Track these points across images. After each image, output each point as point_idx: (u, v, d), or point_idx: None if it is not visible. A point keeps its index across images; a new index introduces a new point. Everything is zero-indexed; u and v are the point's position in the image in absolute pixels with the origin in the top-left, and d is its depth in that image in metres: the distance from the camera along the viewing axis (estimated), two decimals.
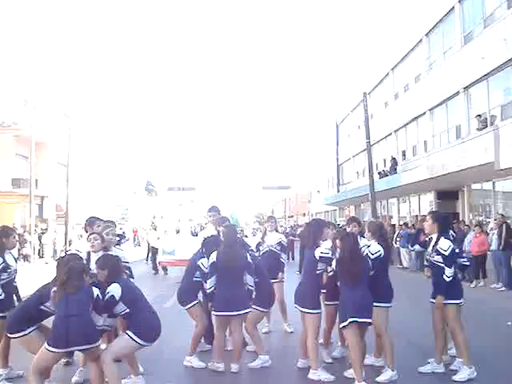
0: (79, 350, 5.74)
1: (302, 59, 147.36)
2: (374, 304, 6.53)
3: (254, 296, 7.56)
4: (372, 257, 6.83)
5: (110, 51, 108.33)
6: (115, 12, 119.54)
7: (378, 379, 6.50)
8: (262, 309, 7.78)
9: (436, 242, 6.98)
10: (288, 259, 27.35)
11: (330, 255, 6.79)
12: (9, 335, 6.10)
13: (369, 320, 6.40)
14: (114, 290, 5.91)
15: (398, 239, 23.33)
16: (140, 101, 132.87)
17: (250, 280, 7.37)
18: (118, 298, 5.88)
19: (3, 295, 5.93)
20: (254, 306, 7.68)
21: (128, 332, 5.95)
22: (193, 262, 7.77)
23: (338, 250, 6.65)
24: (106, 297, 5.86)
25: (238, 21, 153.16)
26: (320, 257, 6.78)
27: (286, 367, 7.43)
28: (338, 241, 6.70)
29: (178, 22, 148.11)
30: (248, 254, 7.49)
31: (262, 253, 9.48)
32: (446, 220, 7.43)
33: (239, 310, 7.15)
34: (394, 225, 29.17)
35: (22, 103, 34.65)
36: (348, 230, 7.80)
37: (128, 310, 5.94)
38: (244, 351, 7.99)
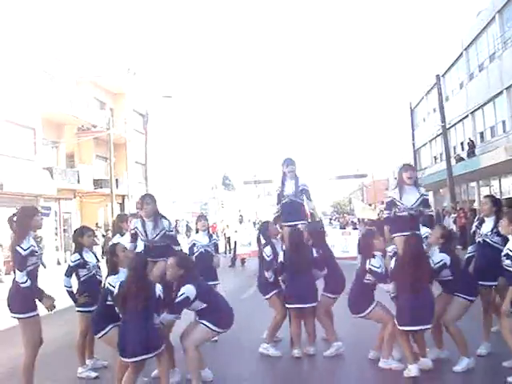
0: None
1: (374, 44, 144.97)
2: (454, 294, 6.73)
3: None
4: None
5: (181, 47, 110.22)
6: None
7: (456, 369, 6.44)
8: (330, 295, 7.83)
9: (495, 224, 7.00)
10: None
11: (379, 271, 6.81)
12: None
13: (428, 326, 6.46)
14: (189, 291, 5.99)
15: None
16: (214, 97, 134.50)
17: (315, 273, 7.75)
18: (191, 299, 6.02)
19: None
20: (323, 293, 7.86)
21: (204, 322, 6.15)
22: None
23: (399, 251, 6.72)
24: (180, 298, 5.96)
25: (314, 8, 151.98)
26: (369, 269, 6.87)
27: (358, 355, 7.48)
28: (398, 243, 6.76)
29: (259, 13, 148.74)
30: (314, 250, 7.78)
31: None
32: (501, 203, 7.61)
33: (310, 303, 7.55)
34: (474, 209, 28.40)
35: (98, 107, 35.96)
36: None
37: (205, 305, 6.14)
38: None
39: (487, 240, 7.11)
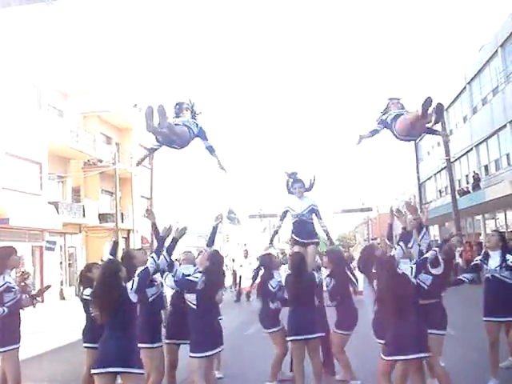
0: None
1: (379, 78, 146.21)
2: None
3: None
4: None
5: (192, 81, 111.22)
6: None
7: None
8: (344, 332, 7.50)
9: (503, 259, 7.00)
10: None
11: None
12: None
13: (423, 354, 5.39)
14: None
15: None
16: (219, 130, 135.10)
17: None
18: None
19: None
20: (336, 331, 7.54)
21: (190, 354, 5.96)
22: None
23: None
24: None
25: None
26: None
27: None
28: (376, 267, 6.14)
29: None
30: (316, 278, 7.27)
31: None
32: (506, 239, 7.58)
33: (312, 334, 6.80)
34: (480, 243, 28.30)
35: (104, 141, 36.26)
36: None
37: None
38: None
39: (496, 275, 7.04)
